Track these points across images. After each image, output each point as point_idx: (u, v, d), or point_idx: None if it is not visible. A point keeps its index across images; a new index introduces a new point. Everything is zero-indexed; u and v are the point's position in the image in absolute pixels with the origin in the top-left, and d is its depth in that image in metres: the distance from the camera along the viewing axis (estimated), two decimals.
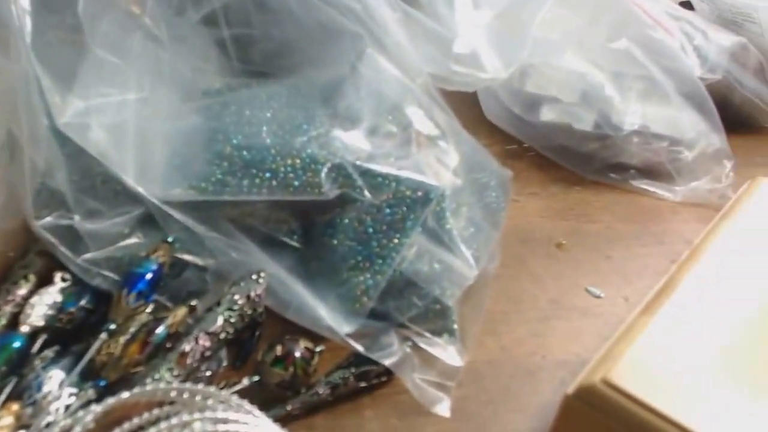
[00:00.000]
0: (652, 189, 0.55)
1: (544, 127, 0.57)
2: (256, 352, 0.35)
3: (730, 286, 0.36)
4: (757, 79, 0.59)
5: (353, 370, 0.34)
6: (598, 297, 0.46)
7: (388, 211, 0.37)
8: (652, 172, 0.55)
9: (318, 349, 0.34)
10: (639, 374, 0.30)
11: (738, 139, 0.60)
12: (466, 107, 0.60)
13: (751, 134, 0.64)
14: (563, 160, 0.57)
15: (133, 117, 0.35)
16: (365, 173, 0.37)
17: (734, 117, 0.60)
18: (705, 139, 0.53)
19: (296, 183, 0.37)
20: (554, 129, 0.56)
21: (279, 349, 0.33)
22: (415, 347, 0.37)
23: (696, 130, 0.53)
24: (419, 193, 0.37)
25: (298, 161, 0.37)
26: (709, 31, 0.56)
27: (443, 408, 0.35)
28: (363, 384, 0.35)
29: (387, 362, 0.34)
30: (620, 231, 0.52)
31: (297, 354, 0.33)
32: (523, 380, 0.39)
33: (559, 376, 0.39)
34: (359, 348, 0.34)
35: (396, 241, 0.36)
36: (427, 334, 0.38)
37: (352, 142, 0.38)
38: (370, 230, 0.36)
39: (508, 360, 0.40)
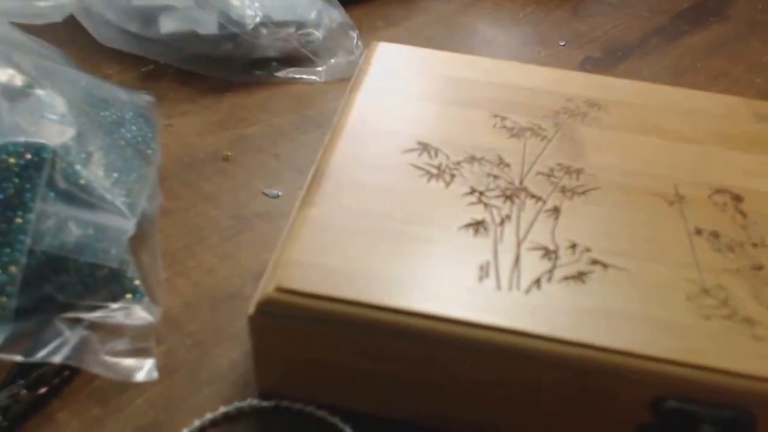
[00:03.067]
0: (297, 76, 0.55)
1: (171, 40, 0.53)
2: None
3: (373, 153, 0.37)
4: None
5: (21, 382, 0.29)
6: (277, 197, 0.45)
7: None
8: (292, 60, 0.55)
9: None
10: (310, 270, 0.30)
11: (357, 9, 0.63)
12: (80, 38, 0.53)
13: (367, 2, 0.67)
14: (205, 69, 0.54)
15: None
16: None
17: None
18: (327, 16, 0.54)
19: None
20: (181, 39, 0.52)
21: None
22: (94, 324, 0.33)
23: (316, 10, 0.53)
24: (28, 157, 0.31)
25: None
26: None
27: (148, 372, 0.33)
28: (44, 390, 0.30)
29: (59, 357, 0.30)
30: (280, 125, 0.51)
31: None
32: (225, 308, 0.38)
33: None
34: (17, 357, 0.29)
35: (19, 220, 0.30)
36: (107, 304, 0.34)
37: None
38: None
39: (205, 293, 0.38)
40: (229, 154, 0.48)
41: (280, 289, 0.29)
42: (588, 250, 0.33)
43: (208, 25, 0.50)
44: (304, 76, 0.55)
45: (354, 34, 0.57)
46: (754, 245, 0.35)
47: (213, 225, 0.43)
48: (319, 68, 0.55)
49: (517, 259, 0.32)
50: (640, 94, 0.45)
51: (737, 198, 0.37)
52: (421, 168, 0.37)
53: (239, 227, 0.43)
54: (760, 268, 0.33)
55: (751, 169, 0.40)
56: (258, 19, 0.51)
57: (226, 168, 0.47)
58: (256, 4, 0.51)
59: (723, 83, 0.63)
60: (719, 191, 0.38)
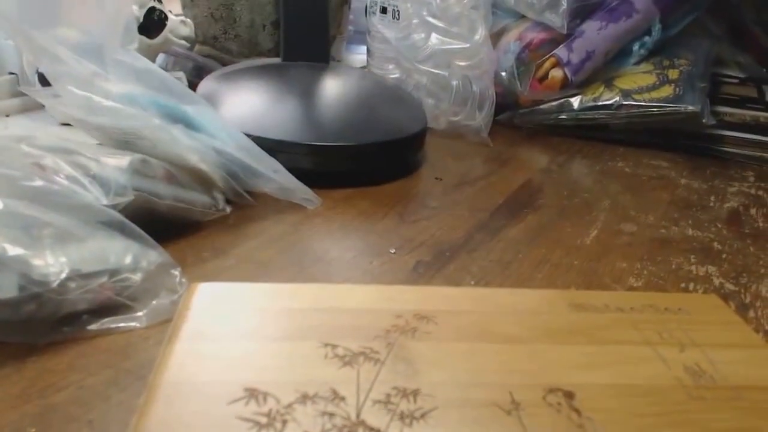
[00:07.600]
0: (114, 325, 0.51)
1: None
2: None
3: (194, 411, 0.34)
4: (171, 184, 0.61)
5: None
6: None
7: None
8: (106, 310, 0.51)
9: None
10: None
11: (182, 241, 0.61)
12: None
13: (192, 233, 0.67)
14: (4, 335, 0.49)
15: None
16: None
17: (171, 224, 0.61)
18: (144, 258, 0.52)
19: None
20: None
21: None
22: None
23: (131, 254, 0.51)
24: None
25: None
26: (102, 157, 0.55)
27: None
28: None
29: None
30: (93, 386, 0.46)
31: None
32: None
33: None
34: None
35: None
36: None
37: None
38: None
39: None
40: (33, 430, 0.42)
41: None
42: None
43: (6, 287, 0.46)
44: (122, 324, 0.51)
45: (176, 272, 0.55)
46: None
47: None
48: (139, 313, 0.52)
49: None
50: (466, 300, 0.46)
51: (569, 395, 0.38)
52: (249, 419, 0.34)
53: None
54: None
55: (575, 362, 0.41)
56: (64, 275, 0.47)
57: None
58: (62, 259, 0.47)
59: (545, 270, 0.67)
60: (551, 391, 0.38)
